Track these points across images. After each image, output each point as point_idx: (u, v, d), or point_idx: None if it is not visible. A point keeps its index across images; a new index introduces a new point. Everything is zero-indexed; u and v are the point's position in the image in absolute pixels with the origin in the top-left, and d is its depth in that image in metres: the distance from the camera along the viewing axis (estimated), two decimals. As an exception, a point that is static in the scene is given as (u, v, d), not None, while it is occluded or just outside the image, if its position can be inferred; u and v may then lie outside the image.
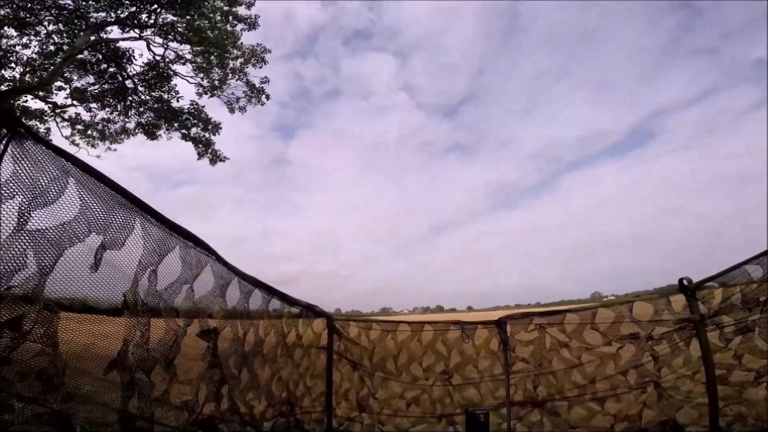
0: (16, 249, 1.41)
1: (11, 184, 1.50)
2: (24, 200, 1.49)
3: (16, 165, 1.53)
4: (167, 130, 15.35)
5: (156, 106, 15.12)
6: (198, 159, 15.55)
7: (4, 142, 1.55)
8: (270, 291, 3.37)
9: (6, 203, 1.44)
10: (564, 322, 3.89)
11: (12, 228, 1.43)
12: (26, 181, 1.52)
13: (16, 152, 1.54)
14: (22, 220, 1.46)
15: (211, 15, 13.59)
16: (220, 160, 15.97)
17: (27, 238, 1.46)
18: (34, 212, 1.50)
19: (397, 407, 4.39)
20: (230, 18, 14.10)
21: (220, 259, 2.56)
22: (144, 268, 1.90)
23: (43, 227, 1.52)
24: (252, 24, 14.43)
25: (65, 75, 14.70)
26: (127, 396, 1.95)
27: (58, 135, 14.78)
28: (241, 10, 14.27)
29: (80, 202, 1.65)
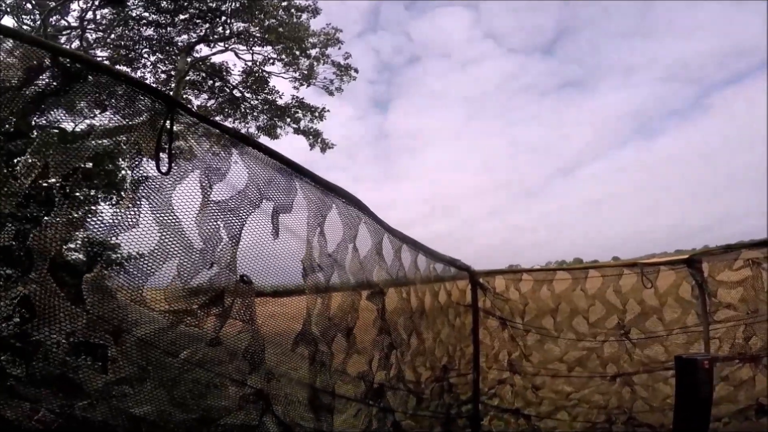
0: (210, 222, 1.37)
1: (185, 162, 1.48)
2: (202, 174, 1.46)
3: (185, 142, 1.51)
4: (281, 127, 16.76)
5: (266, 107, 16.56)
6: (310, 150, 16.66)
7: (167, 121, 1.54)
8: (416, 246, 3.19)
9: (187, 179, 1.41)
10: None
11: (199, 203, 1.40)
12: (199, 156, 1.49)
13: (181, 130, 1.52)
14: (205, 193, 1.42)
15: (275, 12, 14.32)
16: (329, 147, 16.89)
17: (215, 209, 1.41)
18: (214, 185, 1.46)
19: (557, 370, 3.95)
20: (292, 10, 14.67)
21: (371, 215, 2.41)
22: (313, 230, 1.81)
23: (224, 198, 1.47)
24: (314, 11, 14.86)
25: (185, 97, 16.85)
26: (314, 371, 1.90)
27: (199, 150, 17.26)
28: (298, 1, 14.77)
29: (247, 171, 1.60)
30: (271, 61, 16.70)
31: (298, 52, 15.82)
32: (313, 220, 1.83)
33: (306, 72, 16.38)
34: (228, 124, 17.06)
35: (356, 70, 16.76)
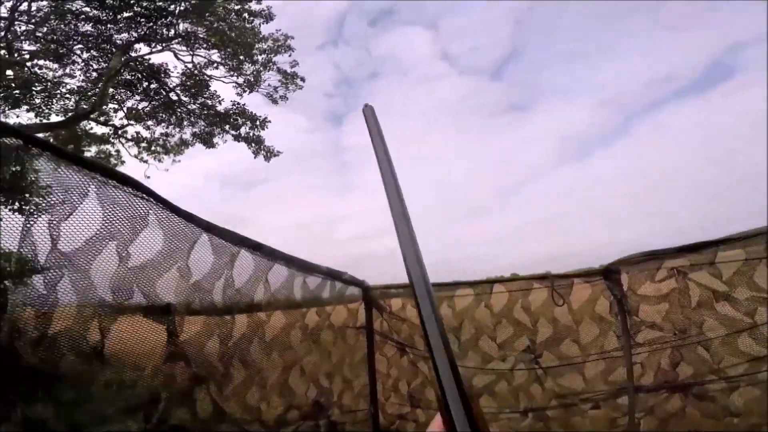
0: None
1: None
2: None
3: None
4: (220, 134, 15.74)
5: (204, 112, 15.53)
6: (254, 158, 15.74)
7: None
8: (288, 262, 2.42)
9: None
10: (716, 261, 2.47)
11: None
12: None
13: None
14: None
15: (225, 15, 13.74)
16: (274, 155, 16.03)
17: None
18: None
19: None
20: (245, 15, 14.12)
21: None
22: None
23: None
24: (267, 16, 14.37)
25: (116, 97, 15.53)
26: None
27: (127, 155, 15.74)
28: (253, 5, 14.28)
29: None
30: (215, 65, 15.89)
31: (243, 57, 15.14)
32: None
33: (252, 78, 15.67)
34: (162, 129, 15.82)
35: (302, 79, 16.25)
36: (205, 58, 15.32)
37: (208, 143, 16.09)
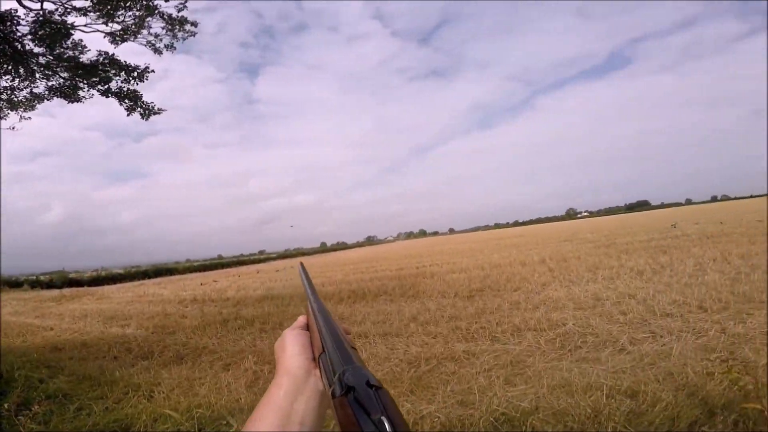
0: None
1: None
2: None
3: None
4: (87, 88, 13.56)
5: (64, 64, 13.19)
6: (128, 115, 13.99)
7: None
8: None
9: None
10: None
11: None
12: None
13: None
14: None
15: None
16: (154, 113, 14.32)
17: None
18: None
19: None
20: None
21: None
22: None
23: None
24: None
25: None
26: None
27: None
28: None
29: None
30: (82, 11, 13.50)
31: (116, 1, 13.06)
32: None
33: (130, 25, 13.67)
34: (6, 83, 13.22)
35: (194, 24, 14.57)
36: (62, 4, 12.93)
37: (72, 97, 13.91)
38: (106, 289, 20.22)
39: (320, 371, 0.44)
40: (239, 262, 49.00)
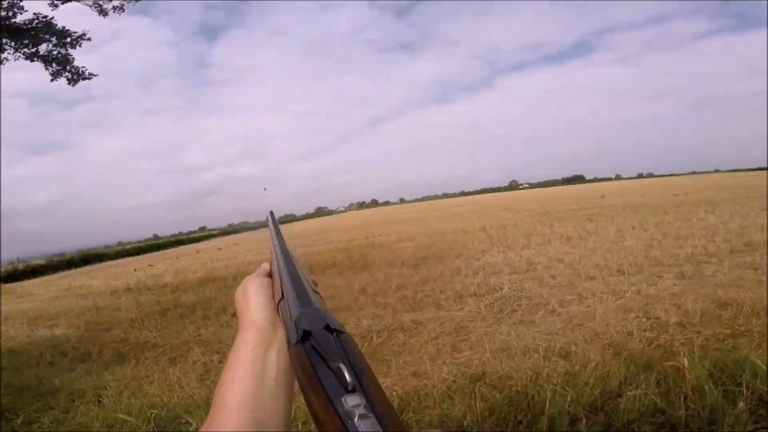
0: None
1: None
2: None
3: None
4: (12, 51, 11.39)
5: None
6: (51, 80, 12.07)
7: None
8: None
9: None
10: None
11: None
12: None
13: None
14: None
15: None
16: (84, 78, 12.43)
17: None
18: None
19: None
20: None
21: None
22: None
23: None
24: None
25: None
26: None
27: None
28: None
29: None
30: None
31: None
32: None
33: None
34: None
35: None
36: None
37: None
38: (27, 284, 17.86)
39: (280, 319, 0.40)
40: (177, 241, 46.11)
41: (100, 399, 3.48)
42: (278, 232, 0.59)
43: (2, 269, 25.21)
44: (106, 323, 6.75)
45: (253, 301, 0.44)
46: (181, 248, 34.12)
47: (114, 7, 12.80)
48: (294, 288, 0.38)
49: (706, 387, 2.18)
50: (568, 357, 2.86)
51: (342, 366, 0.26)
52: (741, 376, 2.30)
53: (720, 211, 10.67)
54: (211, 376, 3.73)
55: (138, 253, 35.52)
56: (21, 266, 27.11)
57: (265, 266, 0.52)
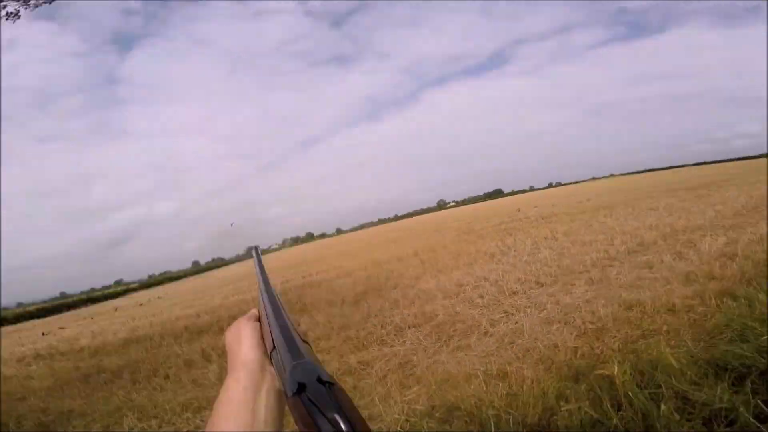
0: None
1: None
2: None
3: None
4: None
5: None
6: None
7: None
8: None
9: None
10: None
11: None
12: None
13: None
14: None
15: None
16: None
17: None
18: None
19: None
20: None
21: None
22: None
23: None
24: None
25: None
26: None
27: None
28: None
29: None
30: None
31: None
32: None
33: None
34: None
35: None
36: None
37: None
38: None
39: (274, 368, 0.43)
40: (90, 299, 40.56)
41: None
42: (262, 271, 0.60)
43: None
44: (18, 393, 5.89)
45: (247, 344, 0.47)
46: (96, 306, 30.12)
47: (8, 14, 11.25)
48: (284, 339, 0.41)
49: (630, 392, 2.32)
50: (506, 378, 3.06)
51: (338, 417, 0.29)
52: (658, 377, 2.43)
53: (616, 214, 12.27)
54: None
55: (44, 315, 30.70)
56: None
57: (254, 312, 0.55)
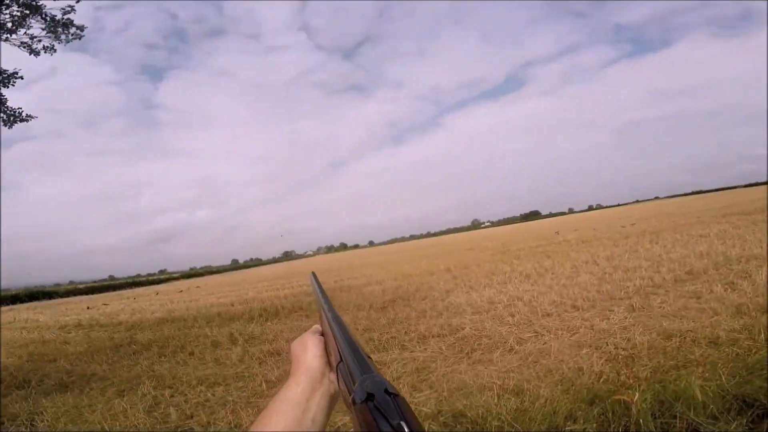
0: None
1: None
2: None
3: None
4: None
5: None
6: None
7: None
8: None
9: None
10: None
11: None
12: None
13: None
14: None
15: None
16: (21, 120, 12.07)
17: None
18: None
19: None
20: None
21: None
22: None
23: None
24: None
25: None
26: None
27: None
28: None
29: None
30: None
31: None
32: None
33: (5, 23, 11.42)
34: None
35: (81, 28, 12.86)
36: None
37: None
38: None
39: (337, 378, 0.46)
40: (135, 283, 43.64)
41: (33, 423, 3.36)
42: (323, 294, 0.66)
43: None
44: (52, 355, 6.44)
45: (311, 353, 0.53)
46: (139, 289, 32.26)
47: (45, 47, 12.57)
48: (353, 354, 0.44)
49: (641, 420, 2.26)
50: (520, 394, 2.93)
51: (402, 423, 0.30)
52: (677, 407, 2.37)
53: (663, 240, 11.48)
54: (160, 408, 3.59)
55: (92, 293, 33.32)
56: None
57: (317, 327, 0.61)
